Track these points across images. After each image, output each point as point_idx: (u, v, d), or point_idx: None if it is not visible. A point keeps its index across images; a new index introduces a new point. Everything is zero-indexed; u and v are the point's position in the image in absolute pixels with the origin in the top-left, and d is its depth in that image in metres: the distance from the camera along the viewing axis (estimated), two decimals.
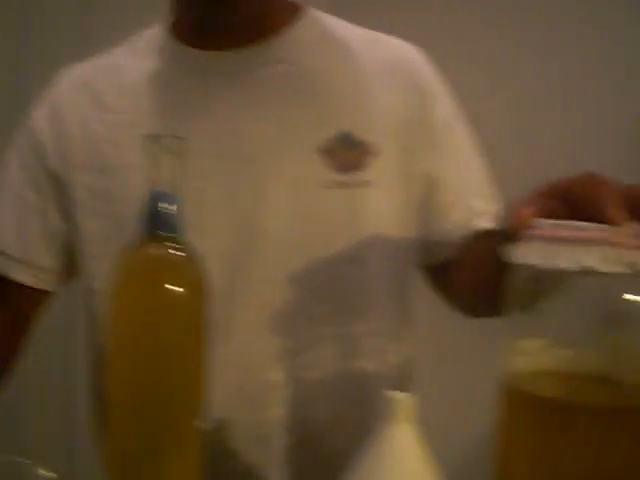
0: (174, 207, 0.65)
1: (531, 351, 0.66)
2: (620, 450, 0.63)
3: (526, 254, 0.63)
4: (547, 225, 0.63)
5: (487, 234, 0.89)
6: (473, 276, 0.91)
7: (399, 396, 0.64)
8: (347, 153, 0.89)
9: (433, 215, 0.96)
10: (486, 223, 0.92)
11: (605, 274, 0.59)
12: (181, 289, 0.64)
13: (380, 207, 0.92)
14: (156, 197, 0.65)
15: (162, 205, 0.65)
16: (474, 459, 0.71)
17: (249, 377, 0.89)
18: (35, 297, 0.97)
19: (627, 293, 0.63)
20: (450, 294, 1.00)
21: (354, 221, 0.91)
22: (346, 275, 0.91)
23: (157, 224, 0.65)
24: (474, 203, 0.96)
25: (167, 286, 0.64)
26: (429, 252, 0.96)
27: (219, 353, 0.87)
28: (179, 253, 0.66)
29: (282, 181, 0.89)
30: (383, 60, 0.96)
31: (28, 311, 0.98)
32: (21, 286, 0.95)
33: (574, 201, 0.63)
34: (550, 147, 1.97)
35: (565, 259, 0.60)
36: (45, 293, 0.97)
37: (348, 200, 0.90)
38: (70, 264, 0.97)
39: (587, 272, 0.60)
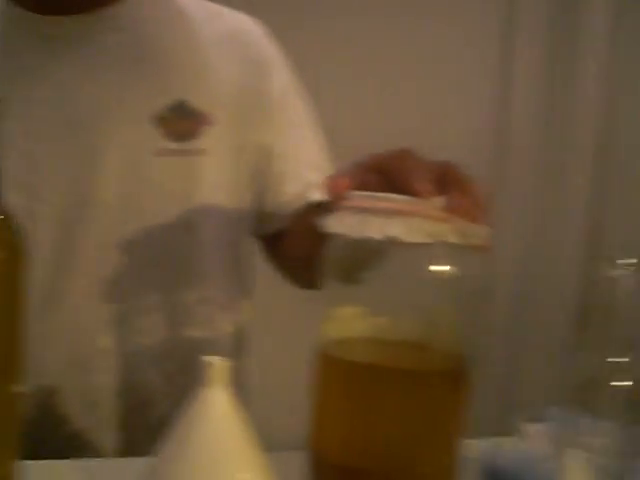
0: None
1: (346, 319, 0.69)
2: (427, 411, 0.67)
3: (338, 224, 0.66)
4: (358, 196, 0.66)
5: (319, 206, 0.91)
6: (300, 247, 0.94)
7: (212, 360, 0.65)
8: (182, 122, 0.90)
9: (268, 185, 0.98)
10: (319, 195, 0.94)
11: (410, 244, 0.63)
12: None
13: (214, 176, 0.93)
14: None
15: None
16: (297, 423, 0.74)
17: (79, 343, 0.89)
18: None
19: (433, 264, 0.67)
20: (281, 264, 1.03)
21: (187, 189, 0.91)
22: (178, 242, 0.92)
23: None
24: (308, 175, 0.98)
25: None
26: (263, 222, 0.99)
27: (49, 319, 0.87)
28: None
29: (116, 148, 0.89)
30: (222, 32, 0.97)
31: None
32: None
33: (388, 174, 0.66)
34: (387, 121, 2.02)
35: (373, 229, 0.63)
36: None
37: (181, 168, 0.91)
38: None
39: (393, 242, 0.63)
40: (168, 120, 0.89)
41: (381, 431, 0.67)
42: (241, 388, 1.03)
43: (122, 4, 0.93)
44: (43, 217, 0.87)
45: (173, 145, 0.90)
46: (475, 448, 0.82)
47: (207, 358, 0.66)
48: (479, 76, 2.27)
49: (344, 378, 0.68)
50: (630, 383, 0.69)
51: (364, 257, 0.68)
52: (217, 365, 0.65)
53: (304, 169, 0.99)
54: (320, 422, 0.70)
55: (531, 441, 0.90)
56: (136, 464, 0.76)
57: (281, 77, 1.00)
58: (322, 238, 0.70)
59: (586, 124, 2.26)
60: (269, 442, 0.74)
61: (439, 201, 0.65)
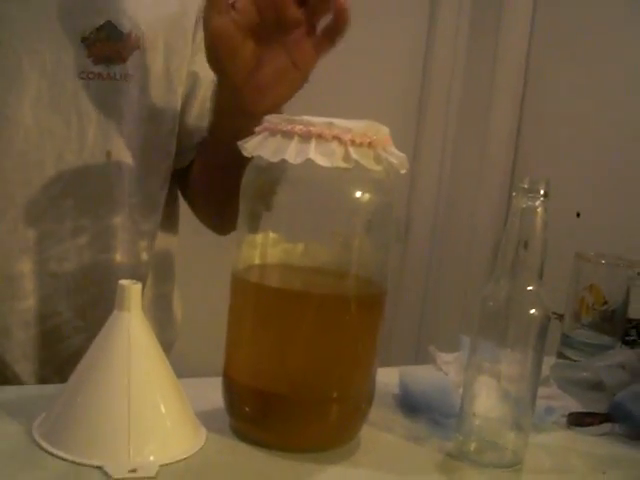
0: None
1: (261, 245, 0.69)
2: (340, 336, 0.68)
3: (257, 147, 0.65)
4: (277, 120, 0.65)
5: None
6: (209, 175, 0.94)
7: (125, 283, 0.65)
8: (109, 45, 0.86)
9: (190, 111, 0.96)
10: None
11: (326, 167, 0.62)
12: None
13: (138, 101, 0.90)
14: None
15: None
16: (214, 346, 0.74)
17: None
18: None
19: (353, 189, 0.66)
20: (192, 199, 1.02)
21: (109, 113, 0.88)
22: (97, 168, 0.89)
23: None
24: None
25: None
26: (181, 151, 0.96)
27: None
28: None
29: (37, 67, 0.84)
30: None
31: None
32: None
33: None
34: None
35: (290, 153, 0.63)
36: None
37: (104, 92, 0.87)
38: None
39: (310, 165, 0.62)
40: (95, 42, 0.85)
41: (295, 356, 0.67)
42: (164, 316, 1.03)
43: None
44: None
45: (98, 68, 0.86)
46: (391, 375, 0.84)
47: (121, 281, 0.65)
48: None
49: (258, 303, 0.68)
50: (539, 312, 0.70)
51: (280, 182, 0.67)
52: (129, 288, 0.64)
53: None
54: (234, 347, 0.70)
55: (444, 368, 0.93)
56: (50, 390, 0.75)
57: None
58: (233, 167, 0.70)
59: (507, 62, 2.30)
60: (192, 370, 0.74)
61: (357, 125, 0.65)
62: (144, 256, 0.95)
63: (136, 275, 0.90)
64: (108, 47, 0.86)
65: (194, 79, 0.95)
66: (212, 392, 0.75)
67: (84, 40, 0.86)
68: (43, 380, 0.90)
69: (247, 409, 0.70)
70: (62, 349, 0.90)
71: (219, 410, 0.72)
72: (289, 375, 0.67)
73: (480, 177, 2.32)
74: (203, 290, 1.61)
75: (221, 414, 0.72)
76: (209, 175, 0.96)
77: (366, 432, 0.73)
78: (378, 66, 2.23)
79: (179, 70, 0.93)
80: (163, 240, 1.00)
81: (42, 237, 0.87)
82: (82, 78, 0.86)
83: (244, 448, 0.69)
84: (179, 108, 0.95)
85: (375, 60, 2.21)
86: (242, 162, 0.69)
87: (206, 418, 0.71)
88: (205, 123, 0.94)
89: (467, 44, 2.37)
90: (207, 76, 0.93)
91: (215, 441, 0.69)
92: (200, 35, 0.90)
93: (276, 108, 0.79)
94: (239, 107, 0.81)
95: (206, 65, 0.90)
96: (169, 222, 1.01)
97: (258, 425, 0.69)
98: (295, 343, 0.67)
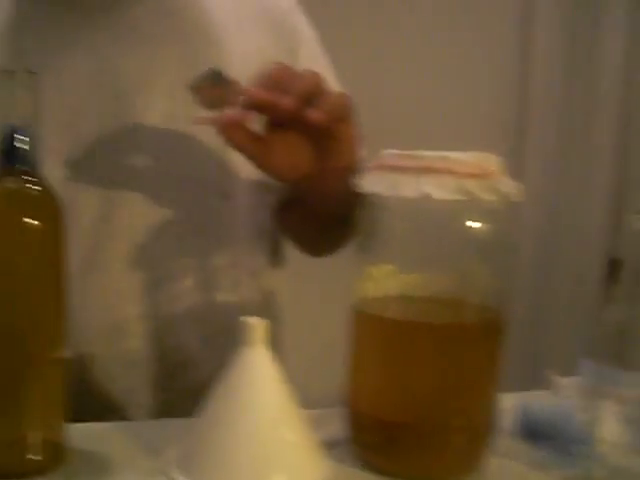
0: (29, 141, 0.65)
1: (379, 277, 0.70)
2: (460, 364, 0.68)
3: (372, 184, 0.67)
4: (391, 155, 0.67)
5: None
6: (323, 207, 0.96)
7: (250, 320, 0.67)
8: (215, 90, 0.90)
9: None
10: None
11: (441, 201, 0.63)
12: (38, 222, 0.65)
13: None
14: (11, 132, 0.65)
15: (17, 139, 0.65)
16: (335, 379, 0.76)
17: (114, 309, 0.90)
18: None
19: (468, 220, 0.67)
20: (292, 230, 1.05)
21: (222, 156, 0.93)
22: (213, 208, 0.93)
23: (13, 158, 0.65)
24: None
25: (24, 219, 0.65)
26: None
27: (86, 287, 0.89)
28: (36, 187, 0.66)
29: (152, 117, 0.90)
30: (253, 3, 0.98)
31: None
32: None
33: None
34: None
35: (407, 187, 0.64)
36: None
37: (216, 136, 0.91)
38: None
39: (427, 199, 0.63)
40: (202, 89, 0.90)
41: (417, 385, 0.68)
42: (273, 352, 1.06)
43: None
44: (83, 188, 0.89)
45: (208, 114, 0.91)
46: (509, 402, 0.83)
47: (245, 318, 0.67)
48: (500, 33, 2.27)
49: (377, 334, 0.70)
50: None
51: (395, 215, 0.69)
52: (255, 325, 0.67)
53: None
54: (356, 378, 0.72)
55: (563, 394, 0.91)
56: (177, 424, 0.78)
57: (309, 47, 1.01)
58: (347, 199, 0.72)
59: (610, 77, 2.25)
60: (306, 401, 0.76)
61: (470, 157, 0.65)
62: (253, 293, 0.98)
63: (245, 312, 0.94)
64: (215, 93, 0.90)
65: None
66: (333, 422, 0.76)
67: (192, 87, 0.89)
68: (170, 410, 0.94)
69: (371, 438, 0.71)
70: (188, 378, 0.94)
71: (342, 440, 0.74)
72: (412, 404, 0.68)
73: (585, 196, 2.28)
74: (311, 322, 1.64)
75: (344, 444, 0.74)
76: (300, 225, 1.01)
77: (490, 461, 0.73)
78: (473, 90, 2.22)
79: None
80: (271, 275, 1.03)
81: (159, 277, 0.92)
82: (194, 123, 0.90)
83: (368, 477, 0.70)
84: None
85: (469, 85, 2.21)
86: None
87: (332, 448, 0.73)
88: None
89: (564, 60, 2.33)
90: None
91: (340, 471, 0.70)
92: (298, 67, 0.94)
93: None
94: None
95: None
96: (277, 257, 1.04)
97: (382, 454, 0.70)
98: (416, 372, 0.68)
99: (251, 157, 0.81)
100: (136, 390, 0.92)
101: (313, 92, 0.73)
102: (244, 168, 0.93)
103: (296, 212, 0.99)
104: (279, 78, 0.73)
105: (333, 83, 1.02)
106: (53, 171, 0.86)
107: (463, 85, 2.19)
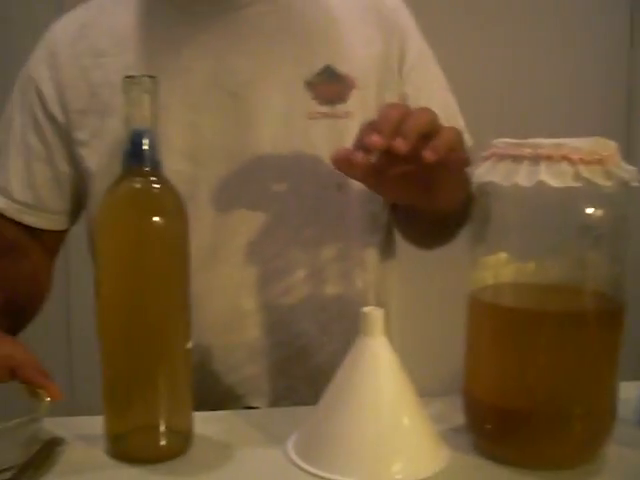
0: (153, 143, 0.69)
1: (494, 265, 0.70)
2: (580, 352, 0.68)
3: (487, 173, 0.67)
4: (505, 144, 0.67)
5: None
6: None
7: (370, 310, 0.68)
8: (330, 86, 0.95)
9: None
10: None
11: (558, 188, 0.63)
12: (164, 220, 0.68)
13: None
14: (136, 134, 0.68)
15: (143, 141, 0.68)
16: (451, 368, 0.76)
17: (234, 301, 0.95)
18: (52, 237, 1.02)
19: (584, 206, 0.67)
20: (406, 227, 1.06)
21: (335, 148, 0.94)
22: (329, 198, 0.96)
23: (137, 159, 0.68)
24: None
25: (152, 218, 0.68)
26: None
27: (208, 279, 0.93)
28: (160, 186, 0.69)
29: (270, 113, 0.94)
30: (364, 1, 1.01)
31: (48, 250, 1.03)
32: (37, 229, 1.00)
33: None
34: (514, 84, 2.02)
35: (522, 176, 0.64)
36: (60, 232, 1.03)
37: (331, 130, 0.95)
38: (79, 204, 1.02)
39: (542, 187, 0.63)
40: (318, 85, 0.94)
41: (535, 373, 0.68)
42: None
43: None
44: (204, 181, 0.93)
45: (323, 108, 0.95)
46: (629, 390, 0.82)
47: (365, 309, 0.69)
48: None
49: (496, 322, 0.70)
50: None
51: (510, 204, 0.69)
52: (375, 315, 0.68)
53: None
54: (474, 366, 0.72)
55: None
56: (298, 412, 0.81)
57: (416, 43, 1.03)
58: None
59: None
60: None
61: (585, 143, 0.65)
62: (360, 284, 1.00)
63: (356, 303, 0.96)
64: (330, 89, 0.94)
65: (403, 99, 1.00)
66: (449, 410, 0.77)
67: (308, 84, 0.93)
68: (291, 394, 0.97)
69: (489, 426, 0.71)
70: (307, 364, 0.98)
71: (460, 428, 0.75)
72: (531, 392, 0.68)
73: None
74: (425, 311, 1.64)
75: (462, 432, 0.75)
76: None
77: (610, 449, 0.72)
78: (581, 76, 2.17)
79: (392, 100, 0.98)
80: (381, 267, 1.04)
81: (287, 266, 0.95)
82: (310, 118, 0.94)
83: (487, 465, 0.70)
84: None
85: (577, 71, 2.16)
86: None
87: (449, 436, 0.74)
88: None
89: None
90: (414, 94, 0.99)
91: (459, 459, 0.71)
92: (420, 77, 0.96)
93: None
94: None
95: (413, 83, 0.98)
96: (387, 249, 1.05)
97: (501, 442, 0.70)
98: (535, 360, 0.68)
99: (365, 185, 0.84)
100: (256, 377, 0.96)
101: (428, 132, 0.74)
102: None
103: (408, 213, 1.01)
104: (395, 120, 0.74)
105: (439, 78, 1.04)
106: (176, 166, 0.91)
107: (570, 71, 2.14)
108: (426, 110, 0.76)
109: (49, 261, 1.04)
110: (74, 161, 0.99)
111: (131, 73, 0.84)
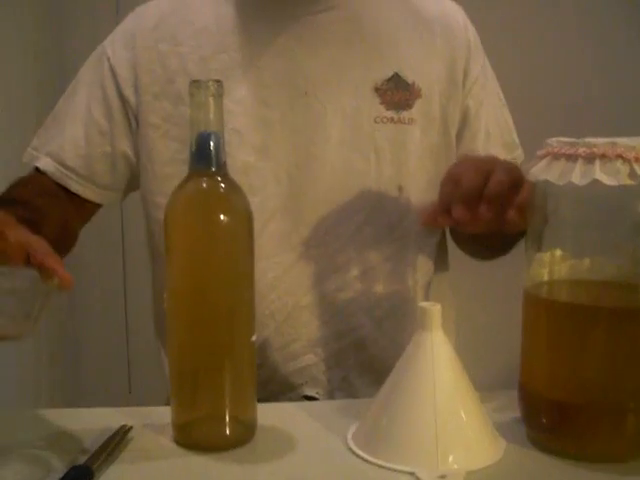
0: (218, 145, 0.72)
1: (551, 262, 0.72)
2: (635, 347, 0.69)
3: (543, 172, 0.69)
4: (560, 143, 0.68)
5: None
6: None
7: (426, 305, 0.71)
8: (397, 93, 0.99)
9: (462, 141, 1.05)
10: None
11: (615, 186, 0.65)
12: (230, 218, 0.71)
13: (421, 143, 1.01)
14: (202, 137, 0.71)
15: (209, 144, 0.71)
16: (506, 362, 0.78)
17: (295, 295, 0.98)
18: (89, 208, 1.06)
19: (637, 203, 0.68)
20: (462, 239, 1.09)
21: (399, 153, 1.00)
22: (391, 201, 1.00)
23: (204, 161, 0.72)
24: (495, 151, 1.05)
25: (219, 216, 0.71)
26: None
27: (274, 273, 0.97)
28: (225, 186, 0.72)
29: (339, 113, 0.98)
30: (431, 13, 1.04)
31: (81, 217, 1.06)
32: (79, 196, 1.03)
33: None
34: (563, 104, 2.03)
35: (577, 174, 0.66)
36: (98, 205, 1.06)
37: (395, 134, 0.99)
38: (127, 185, 1.06)
39: (597, 185, 0.65)
40: (387, 91, 0.99)
41: (590, 367, 0.69)
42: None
43: None
44: (272, 174, 0.97)
45: (390, 113, 0.99)
46: None
47: (423, 304, 0.71)
48: None
49: (551, 318, 0.71)
50: None
51: (566, 201, 0.70)
52: (432, 310, 0.70)
53: (493, 147, 1.06)
54: (530, 361, 0.74)
55: None
56: (356, 404, 0.83)
57: (480, 60, 1.06)
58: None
59: None
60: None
61: (638, 142, 0.66)
62: (413, 282, 1.03)
63: (409, 301, 1.00)
64: (397, 96, 0.98)
65: (465, 116, 1.05)
66: (507, 404, 0.79)
67: (377, 89, 0.98)
68: (347, 384, 1.01)
69: (544, 420, 0.73)
70: (363, 356, 1.01)
71: (516, 421, 0.76)
72: (585, 386, 0.70)
73: None
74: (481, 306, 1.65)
75: (518, 425, 0.76)
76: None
77: None
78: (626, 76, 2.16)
79: (452, 115, 1.03)
80: (436, 266, 1.07)
81: (348, 260, 0.99)
82: (377, 122, 0.99)
83: (542, 458, 0.72)
84: (453, 146, 1.05)
85: (621, 71, 2.15)
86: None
87: (504, 429, 0.75)
88: (478, 144, 1.04)
89: None
90: (478, 129, 1.05)
91: (514, 451, 0.73)
92: (470, 79, 1.02)
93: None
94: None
95: (479, 109, 1.04)
96: (440, 248, 1.08)
97: (555, 435, 0.72)
98: (589, 355, 0.69)
99: None
100: (314, 367, 0.99)
101: (505, 195, 0.80)
102: (418, 166, 1.00)
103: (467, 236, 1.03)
104: (479, 187, 0.80)
105: (498, 94, 1.09)
106: (247, 157, 0.96)
107: (621, 70, 2.14)
108: (505, 171, 0.81)
109: (77, 226, 1.05)
110: (136, 144, 1.02)
111: (207, 65, 0.88)
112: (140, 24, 1.03)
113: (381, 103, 0.98)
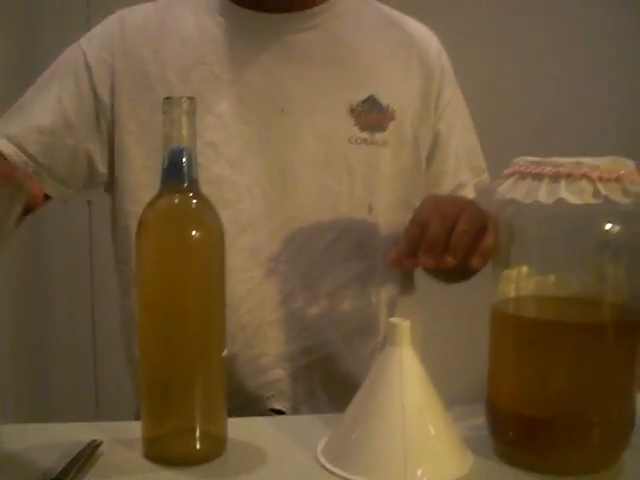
0: (190, 161, 0.72)
1: (517, 279, 0.73)
2: (598, 363, 0.70)
3: (510, 190, 0.70)
4: (526, 162, 0.70)
5: None
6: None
7: (396, 321, 0.71)
8: (372, 115, 1.01)
9: (429, 180, 1.08)
10: (468, 194, 1.08)
11: (580, 205, 0.66)
12: (202, 233, 0.71)
13: (392, 165, 1.03)
14: (175, 153, 0.72)
15: (181, 160, 0.72)
16: (473, 377, 0.79)
17: (257, 311, 0.99)
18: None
19: (603, 223, 0.70)
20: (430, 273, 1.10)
21: (370, 174, 1.01)
22: (362, 220, 1.01)
23: (175, 177, 0.72)
24: (464, 175, 1.09)
25: (190, 232, 0.71)
26: None
27: (247, 287, 0.97)
28: (197, 201, 0.73)
29: (313, 132, 0.99)
30: (405, 38, 1.07)
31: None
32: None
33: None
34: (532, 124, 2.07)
35: (543, 193, 0.67)
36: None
37: (368, 155, 1.01)
38: (84, 184, 1.03)
39: (562, 204, 0.66)
40: (361, 112, 1.00)
41: (556, 382, 0.71)
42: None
43: (321, 6, 1.02)
44: (246, 189, 0.98)
45: (364, 134, 1.01)
46: None
47: (392, 319, 0.72)
48: None
49: (517, 333, 0.73)
50: None
51: (531, 220, 0.72)
52: (401, 326, 0.71)
53: (462, 170, 1.09)
54: (497, 376, 0.75)
55: None
56: (326, 419, 0.84)
57: (451, 84, 1.09)
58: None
59: None
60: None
61: (604, 161, 0.68)
62: (382, 299, 1.05)
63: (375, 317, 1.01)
64: (372, 117, 1.00)
65: (436, 139, 1.07)
66: (472, 418, 0.80)
67: (352, 110, 1.00)
68: (314, 396, 1.02)
69: (511, 433, 0.74)
70: (331, 371, 1.02)
71: (483, 435, 0.77)
72: (551, 400, 0.71)
73: None
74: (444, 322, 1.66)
75: (485, 439, 0.77)
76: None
77: (629, 456, 0.74)
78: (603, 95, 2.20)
79: (424, 137, 1.06)
80: (399, 283, 1.09)
81: (318, 277, 1.00)
82: (351, 142, 1.00)
83: (509, 471, 0.73)
84: (423, 168, 1.07)
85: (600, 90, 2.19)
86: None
87: (472, 443, 0.76)
88: (448, 167, 1.06)
89: None
90: (447, 152, 1.08)
91: (481, 464, 0.74)
92: (442, 103, 1.05)
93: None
94: None
95: (448, 141, 1.06)
96: (407, 284, 1.11)
97: (522, 449, 0.73)
98: (555, 370, 0.70)
99: None
100: (281, 381, 1.00)
101: (470, 244, 0.81)
102: (389, 188, 1.02)
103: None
104: (444, 238, 0.81)
105: (467, 119, 1.12)
106: (222, 171, 0.97)
107: (589, 89, 2.17)
108: (470, 218, 0.82)
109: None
110: (104, 148, 1.01)
111: (187, 75, 0.93)
112: (122, 28, 1.03)
113: (355, 124, 1.00)
